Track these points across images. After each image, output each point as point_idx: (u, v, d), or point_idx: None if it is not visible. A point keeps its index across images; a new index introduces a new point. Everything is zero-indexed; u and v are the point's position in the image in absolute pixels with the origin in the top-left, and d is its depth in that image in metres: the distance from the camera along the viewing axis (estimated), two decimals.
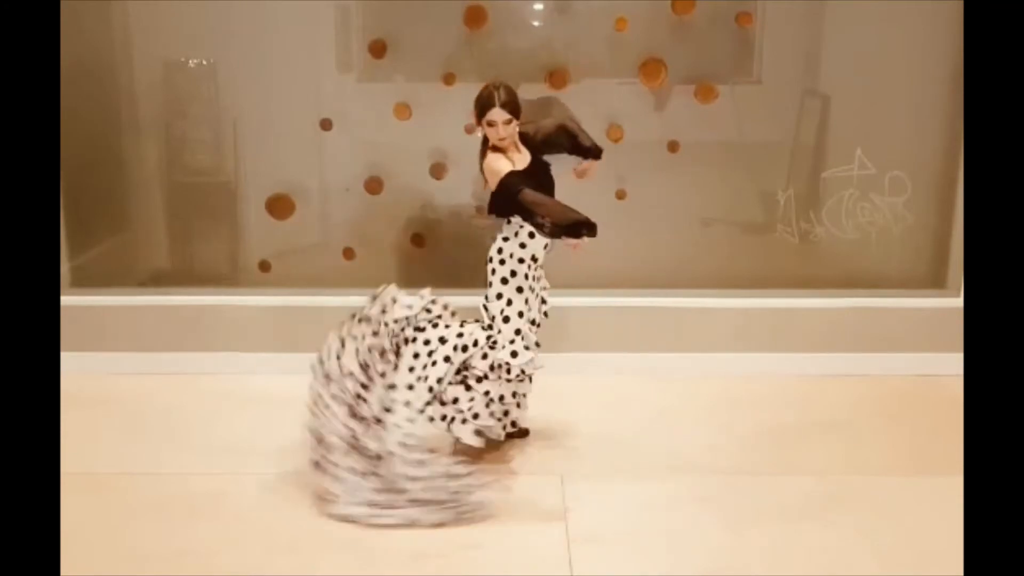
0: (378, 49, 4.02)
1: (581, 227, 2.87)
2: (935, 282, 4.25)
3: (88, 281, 4.20)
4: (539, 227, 2.93)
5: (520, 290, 3.12)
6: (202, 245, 4.31)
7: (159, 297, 4.18)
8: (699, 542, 2.88)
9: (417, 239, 4.20)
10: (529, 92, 4.05)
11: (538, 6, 4.06)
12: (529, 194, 2.93)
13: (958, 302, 4.11)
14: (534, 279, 3.19)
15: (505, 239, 3.13)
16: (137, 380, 4.07)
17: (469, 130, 3.11)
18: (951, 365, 3.99)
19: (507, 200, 3.00)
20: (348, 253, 4.23)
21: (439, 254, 4.22)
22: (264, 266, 4.24)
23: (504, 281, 3.12)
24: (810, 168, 4.21)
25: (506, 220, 3.12)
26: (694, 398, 3.94)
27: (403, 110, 4.06)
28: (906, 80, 4.08)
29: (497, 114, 3.02)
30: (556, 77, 4.00)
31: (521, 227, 3.08)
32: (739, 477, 3.27)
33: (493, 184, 3.04)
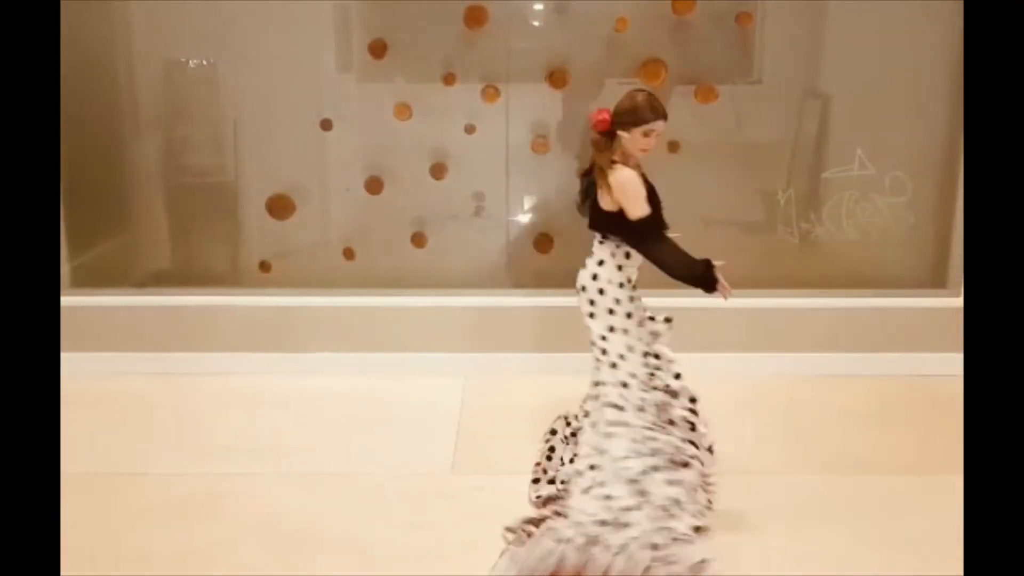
0: (378, 49, 4.01)
1: (710, 279, 2.84)
2: (935, 282, 4.24)
3: (88, 281, 4.20)
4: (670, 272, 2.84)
5: (630, 316, 2.90)
6: (202, 245, 4.31)
7: (159, 297, 4.18)
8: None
9: (417, 239, 4.20)
10: (530, 91, 4.09)
11: (538, 6, 4.06)
12: (664, 248, 2.83)
13: (958, 302, 4.10)
14: (635, 300, 2.96)
15: (600, 263, 2.90)
16: (137, 380, 4.07)
17: (602, 126, 2.82)
18: (951, 365, 3.99)
19: (638, 234, 2.81)
20: (348, 253, 4.23)
21: (439, 254, 4.22)
22: (264, 266, 4.24)
23: (611, 312, 2.88)
24: (810, 168, 4.20)
25: (598, 240, 2.91)
26: None
27: (403, 110, 4.06)
28: (906, 80, 4.08)
29: (661, 125, 2.80)
30: (556, 77, 4.00)
31: (618, 247, 2.88)
32: (738, 477, 3.27)
33: (630, 207, 2.79)
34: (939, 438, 3.57)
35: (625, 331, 2.88)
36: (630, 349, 2.88)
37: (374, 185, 4.15)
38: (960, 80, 4.01)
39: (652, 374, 2.90)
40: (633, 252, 2.88)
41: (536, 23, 4.06)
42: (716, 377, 4.11)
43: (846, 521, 2.99)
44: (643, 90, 2.86)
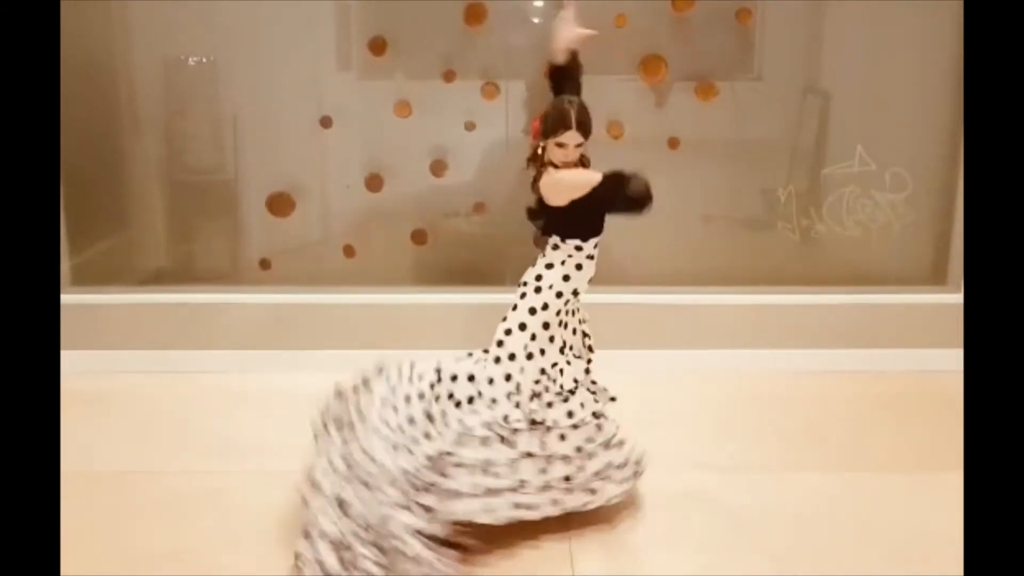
0: (378, 46, 4.01)
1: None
2: (936, 278, 4.24)
3: (88, 279, 4.20)
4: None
5: (547, 326, 2.82)
6: (202, 243, 4.31)
7: (159, 295, 4.18)
8: (700, 540, 2.88)
9: (418, 236, 4.20)
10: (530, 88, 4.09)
11: (538, 3, 4.05)
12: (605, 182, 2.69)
13: (958, 298, 4.11)
14: (570, 313, 2.90)
15: (549, 266, 2.84)
16: (137, 379, 4.07)
17: (534, 137, 2.81)
18: (951, 361, 3.99)
19: (609, 194, 2.69)
20: (348, 251, 4.23)
21: (440, 252, 4.22)
22: (264, 264, 4.24)
23: (532, 311, 2.82)
24: (811, 165, 4.20)
25: (552, 245, 2.84)
26: (693, 395, 3.94)
27: (403, 107, 4.06)
28: (907, 76, 4.08)
29: (571, 136, 2.72)
30: None
31: (570, 256, 2.82)
32: (739, 474, 3.27)
33: (578, 187, 2.72)
34: (939, 435, 3.57)
35: (533, 336, 2.82)
36: (528, 356, 2.82)
37: (374, 183, 4.15)
38: (961, 75, 4.01)
39: (538, 393, 2.82)
40: (584, 264, 2.84)
41: (536, 20, 4.06)
42: (715, 374, 4.13)
43: (846, 519, 2.99)
44: (565, 98, 2.80)
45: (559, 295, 2.83)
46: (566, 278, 2.83)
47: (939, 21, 4.00)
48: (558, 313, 2.84)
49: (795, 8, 4.05)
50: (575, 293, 2.87)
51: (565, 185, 2.75)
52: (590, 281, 2.90)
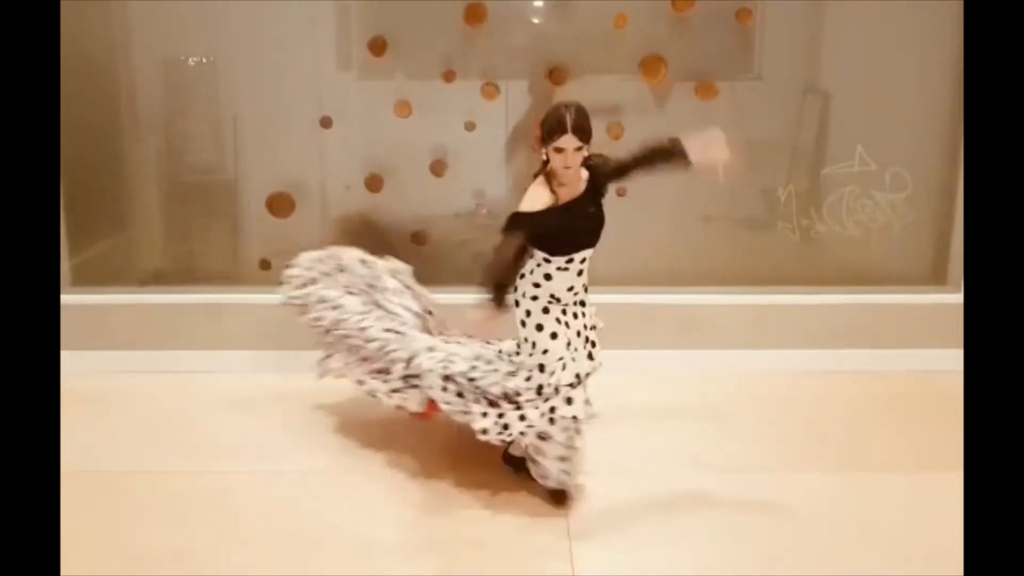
0: (378, 47, 4.01)
1: (491, 294, 2.69)
2: (936, 278, 4.24)
3: (88, 280, 4.20)
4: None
5: (540, 328, 2.89)
6: (202, 243, 4.31)
7: (159, 296, 4.18)
8: (701, 539, 2.88)
9: (418, 237, 4.20)
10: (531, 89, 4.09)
11: (538, 3, 4.05)
12: (505, 244, 2.74)
13: (958, 298, 4.10)
14: (572, 316, 2.93)
15: (521, 276, 2.89)
16: (137, 379, 4.07)
17: (535, 141, 2.83)
18: (951, 361, 3.99)
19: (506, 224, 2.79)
20: None
21: (439, 252, 4.22)
22: (264, 264, 4.24)
23: (523, 323, 2.92)
24: (811, 165, 4.20)
25: (529, 253, 2.88)
26: (694, 395, 3.94)
27: (403, 108, 4.06)
28: (907, 77, 4.08)
29: (568, 141, 2.70)
30: (556, 74, 4.00)
31: (538, 265, 2.86)
32: (739, 474, 3.27)
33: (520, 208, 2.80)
34: (939, 435, 3.57)
35: (531, 342, 2.91)
36: (545, 352, 2.91)
37: (374, 183, 4.15)
38: (961, 75, 4.01)
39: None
40: (555, 274, 2.85)
41: (536, 20, 4.06)
42: (715, 374, 4.13)
43: (846, 518, 2.99)
44: (563, 103, 2.78)
45: (535, 299, 2.89)
46: (536, 285, 2.89)
47: (939, 21, 4.00)
48: (545, 311, 2.88)
49: (795, 8, 4.05)
50: (555, 299, 2.89)
51: (526, 199, 2.81)
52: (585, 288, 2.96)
